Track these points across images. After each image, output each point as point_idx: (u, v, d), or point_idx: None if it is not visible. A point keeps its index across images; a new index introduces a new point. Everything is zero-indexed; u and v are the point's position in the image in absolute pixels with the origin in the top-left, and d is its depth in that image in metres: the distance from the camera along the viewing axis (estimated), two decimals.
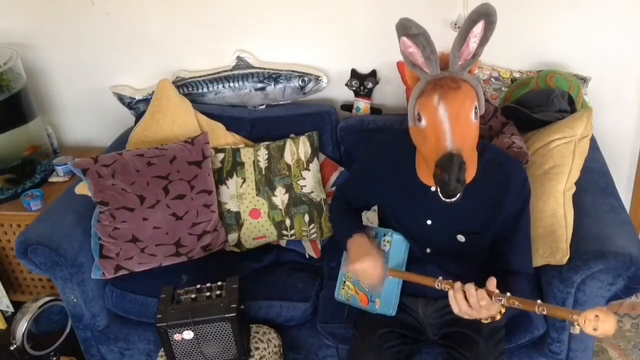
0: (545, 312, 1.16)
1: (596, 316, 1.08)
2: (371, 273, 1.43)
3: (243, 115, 2.18)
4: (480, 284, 1.28)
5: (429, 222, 1.46)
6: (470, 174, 1.39)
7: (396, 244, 1.49)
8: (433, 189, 1.42)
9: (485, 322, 1.29)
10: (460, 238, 1.45)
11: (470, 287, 1.24)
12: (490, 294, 1.22)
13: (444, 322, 1.55)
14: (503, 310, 1.27)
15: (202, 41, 2.24)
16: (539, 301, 1.17)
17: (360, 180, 1.62)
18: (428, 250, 1.50)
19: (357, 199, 1.65)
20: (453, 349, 1.49)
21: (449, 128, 1.24)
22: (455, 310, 1.27)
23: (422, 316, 1.56)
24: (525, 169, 1.49)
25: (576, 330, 1.12)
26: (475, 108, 1.27)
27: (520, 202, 1.41)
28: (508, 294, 1.22)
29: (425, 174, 1.43)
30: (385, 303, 1.50)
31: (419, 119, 1.29)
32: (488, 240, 1.47)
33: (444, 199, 1.29)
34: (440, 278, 1.33)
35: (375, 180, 1.55)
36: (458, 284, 1.27)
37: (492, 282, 1.25)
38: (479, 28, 1.23)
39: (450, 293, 1.27)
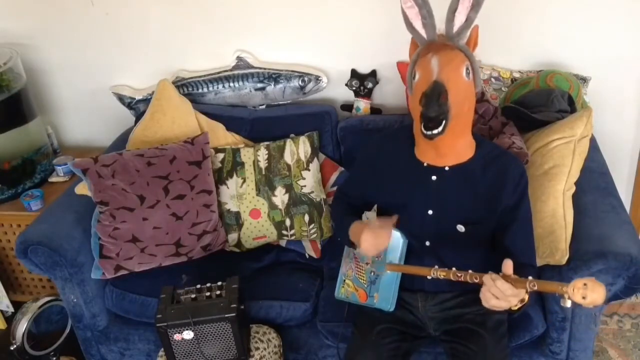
0: (536, 288, 1.19)
1: (585, 284, 1.09)
2: (376, 234, 1.43)
3: (243, 115, 2.18)
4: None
5: (430, 212, 1.48)
6: (463, 146, 1.44)
7: (394, 240, 1.49)
8: (434, 177, 1.45)
9: (516, 308, 1.29)
10: (460, 228, 1.46)
11: (487, 279, 1.24)
12: (506, 278, 1.22)
13: (445, 317, 1.55)
14: (529, 290, 1.23)
15: (202, 41, 2.24)
16: (530, 277, 1.20)
17: (360, 176, 1.64)
18: (427, 243, 1.50)
19: (357, 196, 1.65)
20: (458, 343, 1.49)
21: (437, 66, 1.31)
22: (486, 305, 1.26)
23: (421, 311, 1.56)
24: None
25: (567, 303, 1.12)
26: (467, 69, 1.34)
27: (519, 192, 1.44)
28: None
29: (422, 150, 1.46)
30: (384, 298, 1.51)
31: (414, 77, 1.36)
32: (487, 231, 1.48)
33: (425, 132, 1.32)
34: (436, 267, 1.35)
35: (375, 175, 1.56)
36: (487, 276, 1.25)
37: (508, 266, 1.23)
38: None
39: (484, 289, 1.26)
